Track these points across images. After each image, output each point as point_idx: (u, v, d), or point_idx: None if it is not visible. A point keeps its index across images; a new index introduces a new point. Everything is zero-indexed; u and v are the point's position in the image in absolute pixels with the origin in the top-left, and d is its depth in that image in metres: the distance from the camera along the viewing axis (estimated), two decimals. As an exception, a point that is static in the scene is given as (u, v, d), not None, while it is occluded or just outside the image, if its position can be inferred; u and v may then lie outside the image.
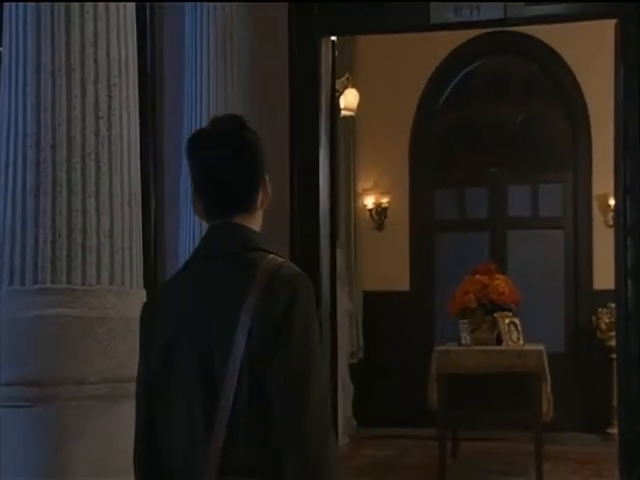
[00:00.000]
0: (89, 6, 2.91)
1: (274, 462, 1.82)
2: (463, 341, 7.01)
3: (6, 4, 2.96)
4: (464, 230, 9.60)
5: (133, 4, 3.09)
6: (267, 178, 2.03)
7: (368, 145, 9.31)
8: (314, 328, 1.86)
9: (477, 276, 7.27)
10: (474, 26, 5.41)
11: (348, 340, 8.66)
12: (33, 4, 2.89)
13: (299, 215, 4.66)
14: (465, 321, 7.05)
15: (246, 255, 1.94)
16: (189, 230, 4.43)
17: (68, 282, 2.85)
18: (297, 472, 1.80)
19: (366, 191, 9.47)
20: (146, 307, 2.08)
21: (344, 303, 8.58)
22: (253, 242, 1.97)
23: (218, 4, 4.52)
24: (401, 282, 9.32)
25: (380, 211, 9.41)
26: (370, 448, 8.31)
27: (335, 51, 4.87)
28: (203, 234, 2.06)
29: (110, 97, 2.94)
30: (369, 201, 9.43)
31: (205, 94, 4.47)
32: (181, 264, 4.40)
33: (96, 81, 2.92)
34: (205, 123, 4.70)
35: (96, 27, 2.93)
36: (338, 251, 8.65)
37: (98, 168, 2.90)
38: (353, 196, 9.29)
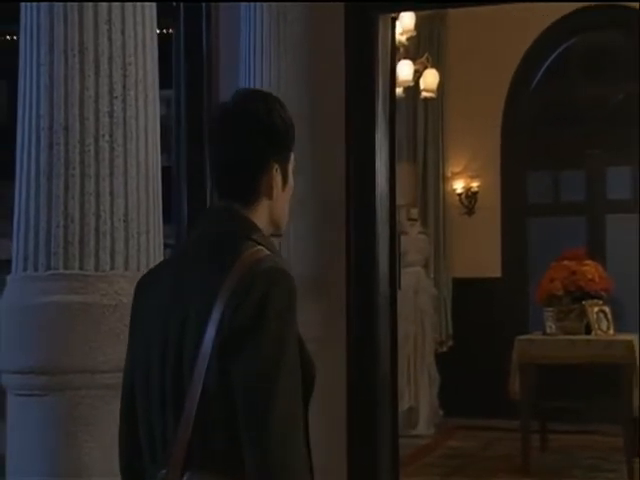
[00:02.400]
0: (102, -19, 2.81)
1: (239, 459, 1.67)
2: (548, 330, 6.71)
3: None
4: (559, 214, 9.23)
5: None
6: (276, 168, 1.85)
7: (458, 127, 9.03)
8: (287, 325, 1.69)
9: (565, 262, 6.94)
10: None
11: (434, 328, 8.44)
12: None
13: (355, 201, 4.49)
14: (550, 309, 6.74)
15: (231, 243, 1.79)
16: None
17: (81, 268, 2.76)
18: (255, 471, 1.64)
19: (455, 175, 9.20)
20: (139, 286, 1.95)
21: (429, 290, 8.37)
22: (243, 230, 1.81)
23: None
24: (492, 268, 9.02)
25: (470, 195, 9.13)
26: (455, 439, 8.09)
27: (394, 29, 4.65)
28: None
29: (125, 76, 2.83)
30: (458, 185, 9.16)
31: (258, 74, 4.34)
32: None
33: (110, 60, 2.81)
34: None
35: (110, 4, 2.83)
36: (424, 237, 8.48)
37: (112, 150, 2.80)
38: (442, 180, 9.04)
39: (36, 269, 2.78)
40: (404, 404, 8.07)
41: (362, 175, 4.46)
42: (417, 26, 7.50)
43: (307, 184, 4.33)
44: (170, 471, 1.69)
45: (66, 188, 2.76)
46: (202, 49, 4.73)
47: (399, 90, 7.17)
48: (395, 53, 4.77)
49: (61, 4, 2.80)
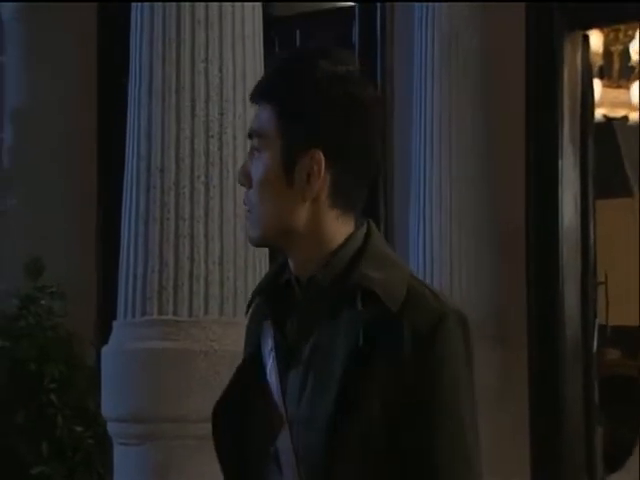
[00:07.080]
0: (200, 15, 2.74)
1: None
2: None
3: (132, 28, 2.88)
4: None
5: (255, 11, 2.86)
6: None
7: None
8: None
9: None
10: None
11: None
12: (147, 23, 2.79)
13: (535, 235, 4.07)
14: None
15: None
16: (419, 241, 4.09)
17: (175, 313, 2.69)
18: None
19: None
20: None
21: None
22: None
23: (444, 4, 4.15)
24: None
25: None
26: None
27: (589, 47, 4.19)
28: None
29: (222, 114, 2.74)
30: None
31: (429, 98, 4.10)
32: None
33: (207, 99, 2.74)
34: (430, 127, 4.30)
35: (207, 41, 2.75)
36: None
37: (207, 191, 2.72)
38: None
39: (133, 315, 2.74)
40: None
41: (544, 207, 4.05)
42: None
43: (483, 215, 4.00)
44: None
45: (161, 232, 2.71)
46: (376, 73, 4.58)
47: (635, 115, 6.56)
48: (590, 73, 4.31)
49: (160, 43, 2.76)
